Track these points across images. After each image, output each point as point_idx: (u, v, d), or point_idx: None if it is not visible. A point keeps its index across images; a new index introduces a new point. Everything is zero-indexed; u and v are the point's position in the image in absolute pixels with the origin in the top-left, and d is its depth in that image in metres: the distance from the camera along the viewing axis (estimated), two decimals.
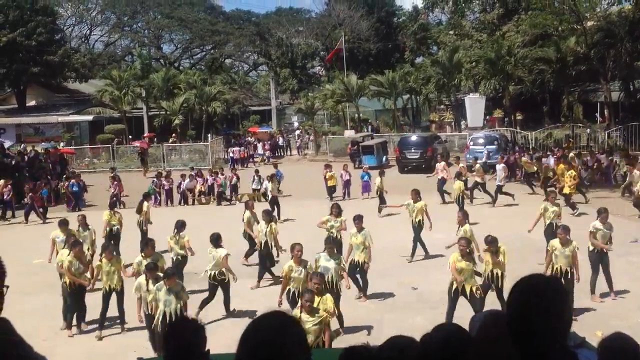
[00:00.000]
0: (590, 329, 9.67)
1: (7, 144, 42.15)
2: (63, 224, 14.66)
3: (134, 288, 10.96)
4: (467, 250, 10.98)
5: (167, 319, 10.18)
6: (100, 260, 12.31)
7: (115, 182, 26.86)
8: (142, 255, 11.99)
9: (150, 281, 10.65)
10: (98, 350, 11.36)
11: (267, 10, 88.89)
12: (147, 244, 12.38)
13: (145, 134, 44.06)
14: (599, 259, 12.60)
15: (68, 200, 26.72)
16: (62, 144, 41.19)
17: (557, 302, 2.33)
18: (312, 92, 55.14)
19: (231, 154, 39.92)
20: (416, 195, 16.08)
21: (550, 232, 14.21)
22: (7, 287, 2.25)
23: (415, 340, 2.71)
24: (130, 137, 44.70)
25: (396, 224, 18.80)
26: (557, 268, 11.67)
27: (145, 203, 18.70)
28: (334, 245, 11.96)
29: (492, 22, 44.71)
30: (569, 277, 11.51)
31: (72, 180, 27.10)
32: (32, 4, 48.04)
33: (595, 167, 27.20)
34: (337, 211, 14.63)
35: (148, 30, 74.44)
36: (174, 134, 44.38)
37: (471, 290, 10.78)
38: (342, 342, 10.78)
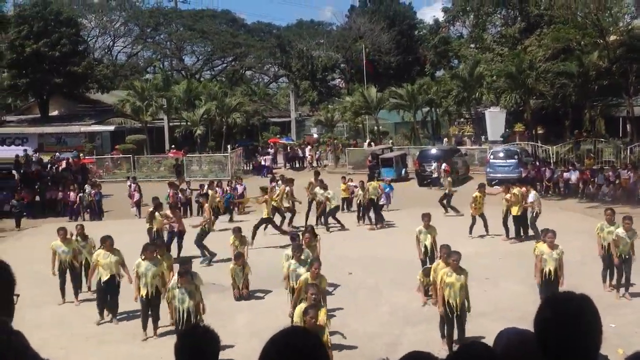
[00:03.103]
0: (611, 347, 9.53)
1: (29, 152, 42.70)
2: (62, 232, 14.40)
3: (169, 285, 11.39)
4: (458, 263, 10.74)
5: (180, 315, 10.67)
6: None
7: (134, 190, 27.09)
8: (141, 258, 12.26)
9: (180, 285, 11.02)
10: (115, 359, 11.38)
11: (288, 22, 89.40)
12: (146, 247, 12.62)
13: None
14: (623, 261, 13.29)
15: (92, 210, 26.87)
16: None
17: (588, 320, 2.31)
18: (332, 104, 55.24)
19: (263, 162, 41.42)
20: (429, 220, 15.17)
21: (607, 255, 13.89)
22: (18, 295, 2.26)
23: (434, 355, 2.67)
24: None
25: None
26: (546, 271, 12.13)
27: (157, 213, 18.49)
28: (299, 251, 12.11)
29: (514, 36, 44.54)
30: (558, 279, 12.09)
31: (95, 190, 27.35)
32: (56, 15, 48.71)
33: (617, 182, 26.91)
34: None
35: (170, 42, 75.15)
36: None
37: (462, 305, 10.65)
38: (361, 356, 10.74)
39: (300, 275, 11.37)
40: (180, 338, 3.38)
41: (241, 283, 14.18)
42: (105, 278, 12.77)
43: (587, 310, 2.34)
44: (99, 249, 13.34)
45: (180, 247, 17.89)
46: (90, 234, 15.41)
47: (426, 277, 13.22)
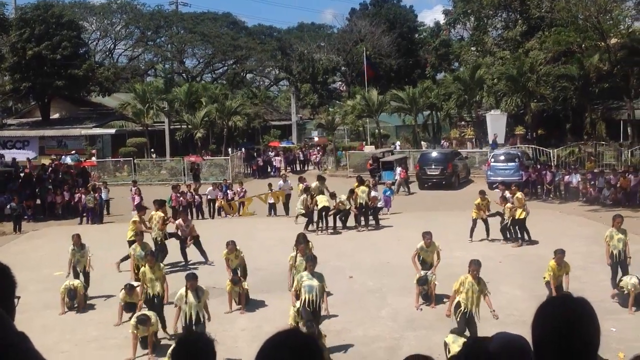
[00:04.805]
0: (612, 351, 9.53)
1: (30, 155, 42.71)
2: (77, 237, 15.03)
3: (175, 299, 11.59)
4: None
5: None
6: (143, 266, 13.13)
7: (134, 193, 27.09)
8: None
9: (189, 292, 11.19)
10: None
11: (289, 25, 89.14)
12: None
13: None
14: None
15: (93, 214, 26.69)
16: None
17: (585, 322, 2.31)
18: (333, 107, 55.20)
19: (275, 164, 42.66)
20: (430, 239, 14.51)
21: (616, 262, 13.88)
22: (19, 297, 2.26)
23: (433, 358, 2.68)
24: (152, 150, 45.23)
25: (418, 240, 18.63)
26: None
27: (138, 215, 18.09)
28: (314, 263, 11.84)
29: (515, 39, 44.51)
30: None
31: (96, 194, 27.21)
32: (57, 18, 48.74)
33: (618, 185, 26.84)
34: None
35: (171, 45, 75.16)
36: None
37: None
38: (362, 359, 10.73)
39: (312, 287, 11.13)
40: (177, 344, 3.40)
41: (238, 299, 13.71)
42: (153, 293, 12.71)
43: (583, 312, 2.33)
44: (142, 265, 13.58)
45: (202, 252, 17.59)
46: (93, 237, 15.46)
47: (420, 286, 13.37)
